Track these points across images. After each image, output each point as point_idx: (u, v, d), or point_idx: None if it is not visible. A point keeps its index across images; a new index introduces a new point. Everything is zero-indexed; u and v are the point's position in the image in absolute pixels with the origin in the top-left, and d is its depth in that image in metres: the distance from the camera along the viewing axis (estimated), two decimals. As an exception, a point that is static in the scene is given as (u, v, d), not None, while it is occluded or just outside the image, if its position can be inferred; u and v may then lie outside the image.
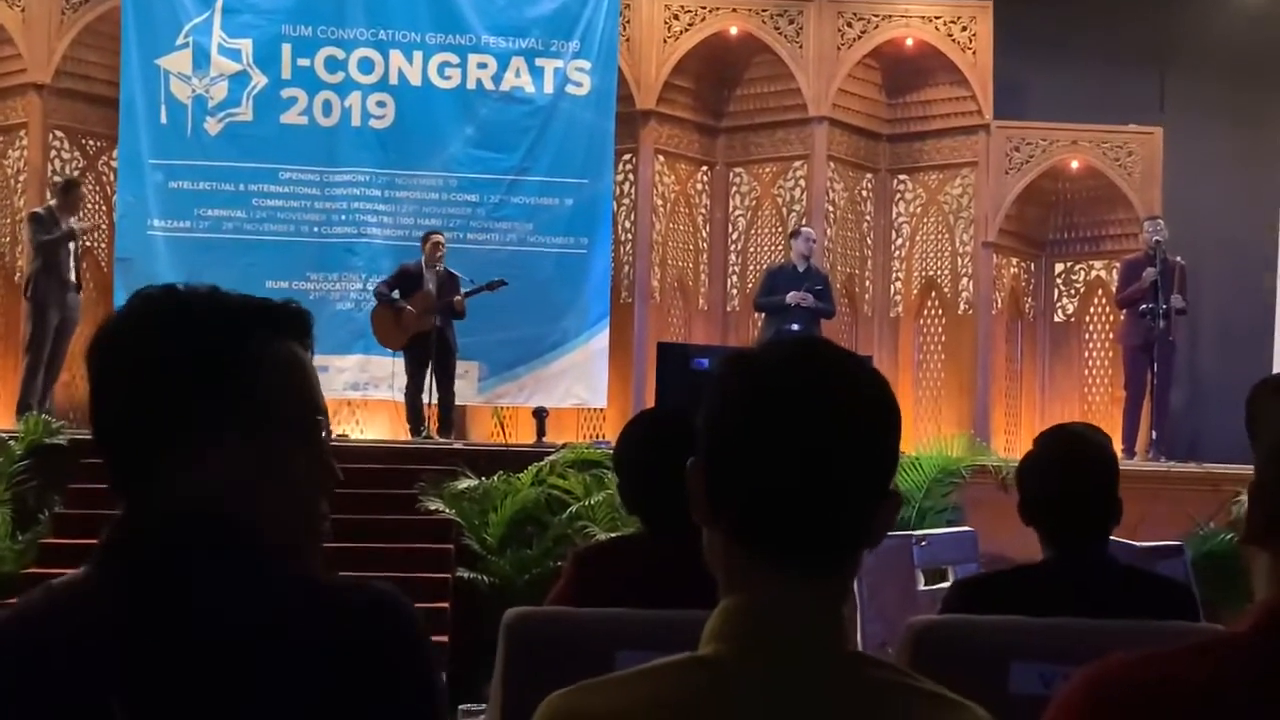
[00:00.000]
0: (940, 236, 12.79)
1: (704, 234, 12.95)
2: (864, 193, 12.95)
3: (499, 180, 11.84)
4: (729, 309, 12.91)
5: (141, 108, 11.46)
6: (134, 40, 11.46)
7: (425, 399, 10.64)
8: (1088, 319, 12.95)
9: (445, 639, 7.58)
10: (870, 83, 12.89)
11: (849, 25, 12.50)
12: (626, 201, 12.52)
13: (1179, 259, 10.91)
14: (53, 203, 10.65)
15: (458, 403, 11.14)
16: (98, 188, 12.17)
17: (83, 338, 10.66)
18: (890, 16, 12.52)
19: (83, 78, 11.99)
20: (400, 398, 10.93)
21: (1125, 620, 2.74)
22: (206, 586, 1.42)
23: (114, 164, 11.89)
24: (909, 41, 12.59)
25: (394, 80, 11.79)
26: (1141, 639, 2.60)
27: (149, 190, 11.44)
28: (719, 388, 1.42)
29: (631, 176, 12.51)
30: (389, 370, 11.13)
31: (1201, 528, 8.70)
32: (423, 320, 10.56)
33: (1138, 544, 6.26)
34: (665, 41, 12.42)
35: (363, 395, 11.67)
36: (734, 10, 12.48)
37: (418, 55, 11.82)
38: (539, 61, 11.92)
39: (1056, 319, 13.07)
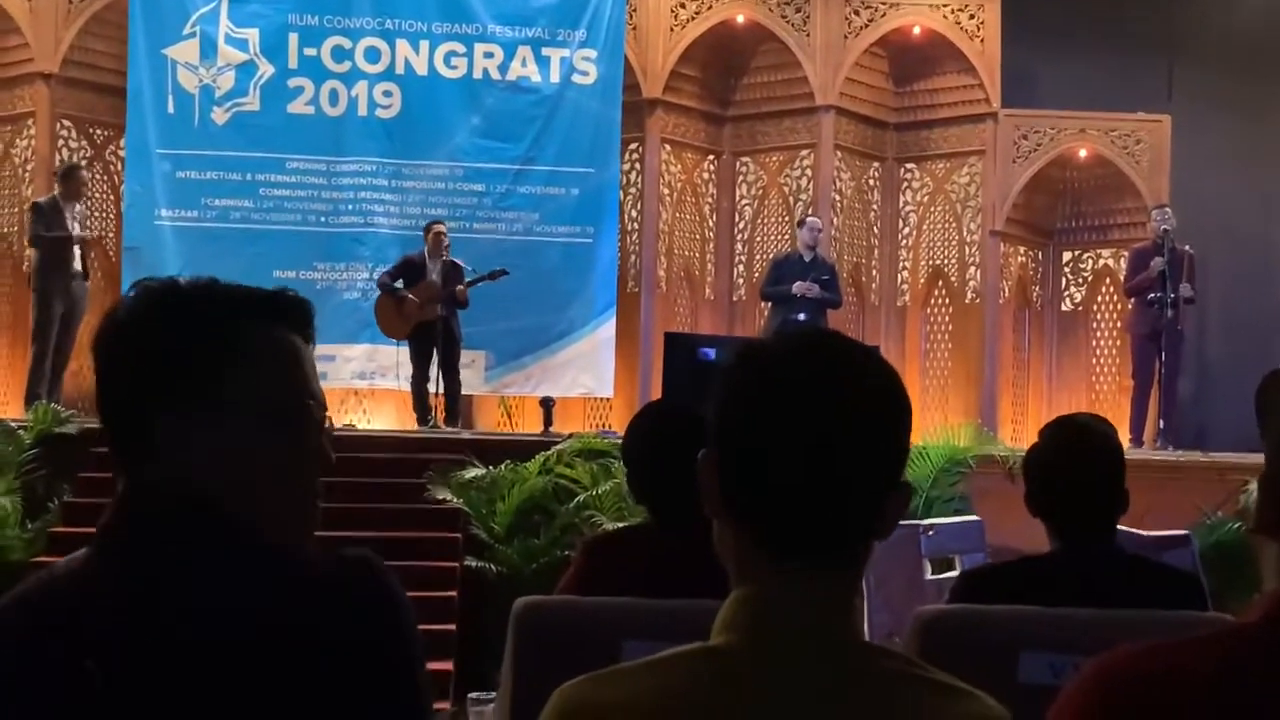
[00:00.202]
0: (947, 225, 12.78)
1: (710, 223, 12.94)
2: (871, 182, 12.94)
3: (505, 170, 11.84)
4: (735, 298, 12.90)
5: (149, 97, 11.46)
6: (141, 30, 11.46)
7: (431, 388, 10.65)
8: (1095, 308, 12.93)
9: (453, 627, 7.61)
10: (877, 71, 12.87)
11: (856, 14, 12.49)
12: (633, 191, 12.52)
13: (1187, 248, 10.89)
14: (57, 191, 10.66)
15: (465, 392, 11.15)
16: (105, 177, 12.18)
17: (90, 327, 10.68)
18: (897, 5, 12.50)
19: (90, 67, 12.00)
20: (407, 387, 10.94)
21: (1133, 610, 2.74)
22: (178, 569, 1.47)
23: (121, 153, 11.91)
24: (916, 30, 12.58)
25: (400, 70, 11.79)
26: (1149, 629, 2.61)
27: (156, 180, 11.45)
28: (729, 380, 1.42)
29: (638, 166, 12.50)
30: (395, 360, 11.14)
31: (1209, 517, 8.69)
32: (426, 310, 10.56)
33: (1145, 533, 6.25)
34: (672, 30, 12.41)
35: (369, 385, 11.68)
36: (740, -1, 12.48)
37: (424, 45, 11.81)
38: (545, 51, 11.91)
39: (1064, 308, 13.06)
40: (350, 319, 11.32)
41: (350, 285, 11.60)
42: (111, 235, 11.96)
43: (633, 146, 12.44)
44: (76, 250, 10.47)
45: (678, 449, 2.21)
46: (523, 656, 2.67)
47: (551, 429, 10.61)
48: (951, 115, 12.71)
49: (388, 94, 11.77)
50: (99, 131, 12.16)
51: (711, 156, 12.97)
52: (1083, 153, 12.55)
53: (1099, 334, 12.88)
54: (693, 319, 12.75)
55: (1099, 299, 12.91)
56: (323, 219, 11.68)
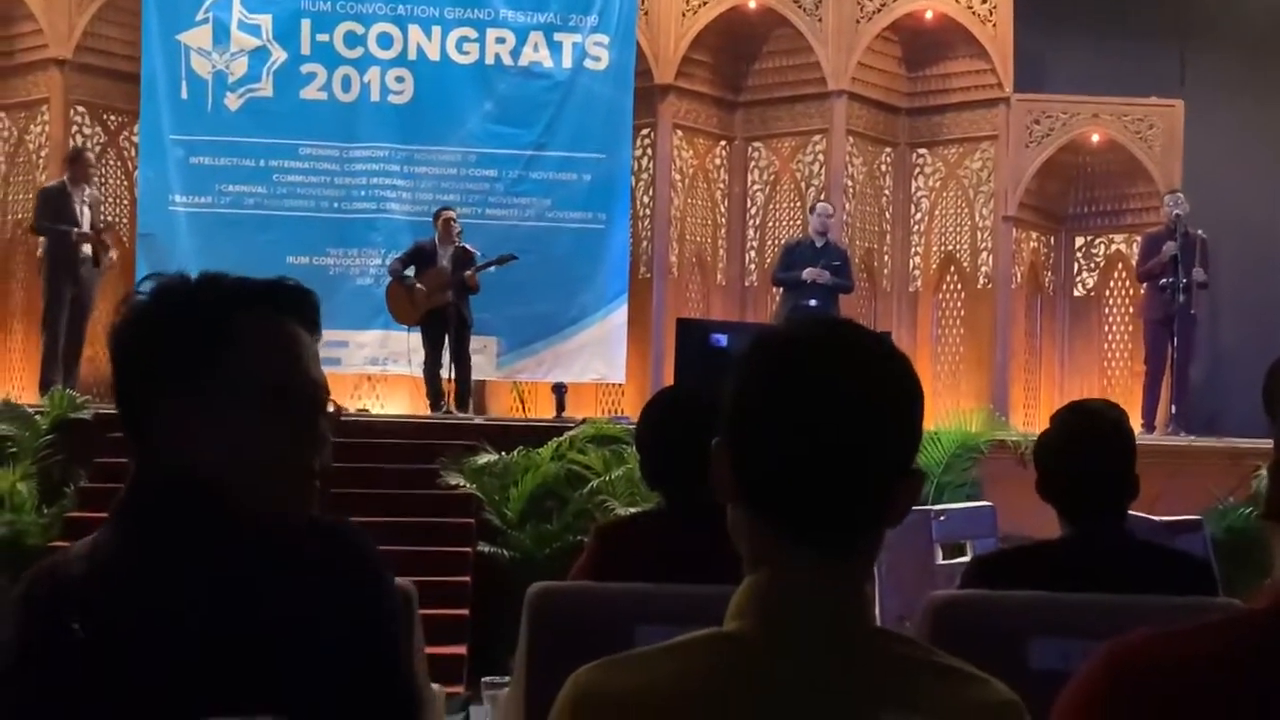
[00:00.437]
0: (960, 211, 12.76)
1: (722, 209, 12.94)
2: (883, 167, 12.92)
3: (517, 155, 11.84)
4: (747, 284, 12.90)
5: (162, 83, 11.48)
6: (154, 15, 11.48)
7: (444, 374, 10.67)
8: (1108, 293, 12.91)
9: (466, 612, 7.64)
10: (889, 56, 12.84)
11: (868, -1, 12.47)
12: (645, 176, 12.51)
13: (1200, 232, 10.87)
14: (65, 176, 10.70)
15: (477, 377, 11.17)
16: (119, 163, 12.21)
17: (104, 314, 10.70)
18: (910, -11, 12.47)
19: (104, 53, 12.02)
20: (420, 373, 10.95)
21: (1144, 596, 2.75)
22: (170, 545, 1.61)
23: (135, 140, 11.94)
24: (928, 14, 12.54)
25: (413, 55, 11.80)
26: (1160, 614, 2.62)
27: (170, 166, 11.47)
28: (742, 367, 1.44)
29: (650, 151, 12.50)
30: (408, 345, 11.15)
31: (1221, 502, 8.69)
32: (436, 296, 10.57)
33: (1157, 518, 6.26)
34: (684, 16, 12.39)
35: (382, 370, 11.70)
36: (753, -17, 12.46)
37: (436, 30, 11.81)
38: (557, 36, 11.91)
39: (1076, 293, 13.04)
40: (363, 305, 11.34)
41: (363, 271, 11.62)
42: (125, 221, 11.98)
43: (645, 132, 12.44)
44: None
45: (691, 436, 2.22)
46: (536, 642, 2.68)
47: (564, 414, 10.63)
48: (964, 100, 12.67)
49: (400, 80, 11.78)
50: (113, 118, 12.18)
51: (723, 142, 12.95)
52: (1095, 138, 12.51)
53: (1111, 319, 12.86)
54: (705, 304, 12.75)
55: (1111, 284, 12.89)
56: (335, 205, 11.69)
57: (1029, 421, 11.79)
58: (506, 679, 3.01)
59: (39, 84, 11.90)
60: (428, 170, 11.78)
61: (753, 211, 12.96)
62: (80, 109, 11.97)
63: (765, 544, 1.40)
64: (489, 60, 11.87)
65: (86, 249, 10.50)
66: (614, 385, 12.19)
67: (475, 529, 8.40)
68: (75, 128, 11.90)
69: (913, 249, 12.96)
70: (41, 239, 10.76)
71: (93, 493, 8.13)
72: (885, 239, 12.91)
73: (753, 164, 12.97)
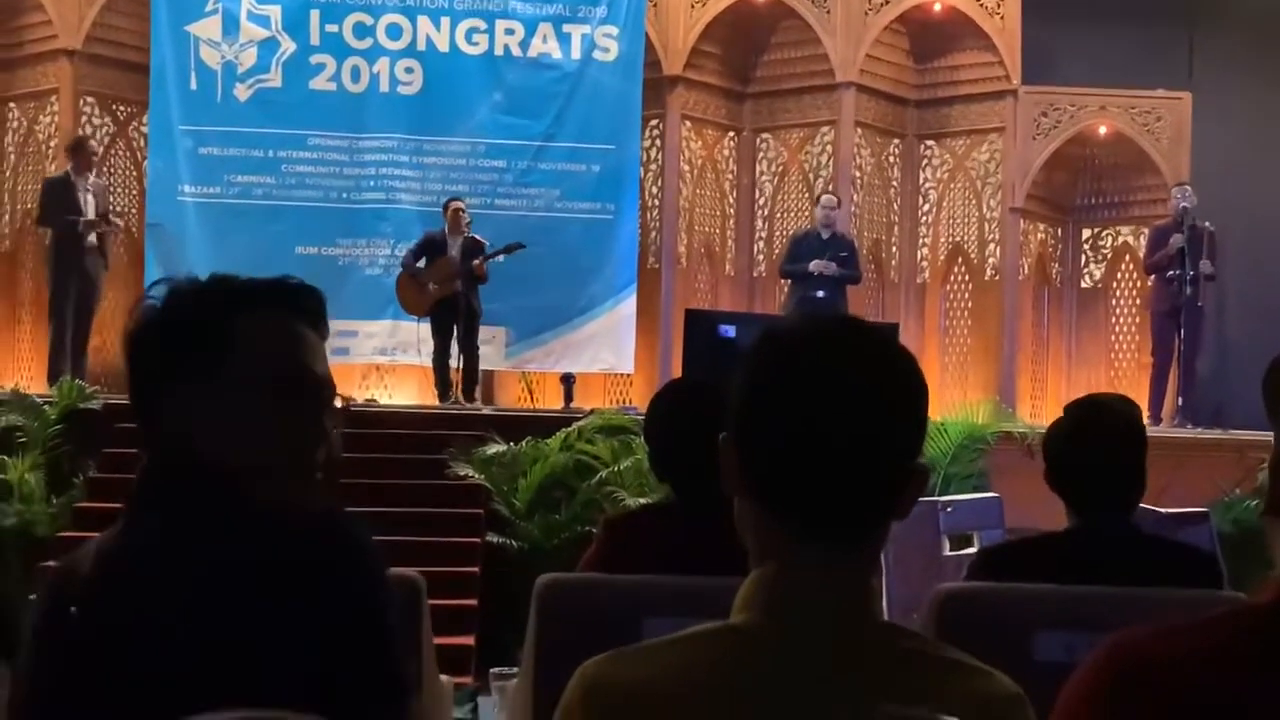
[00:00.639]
0: (967, 202, 12.75)
1: (731, 200, 12.93)
2: (891, 158, 12.91)
3: (526, 146, 11.84)
4: (755, 275, 12.89)
5: (171, 74, 11.48)
6: (164, 6, 11.48)
7: (452, 364, 10.68)
8: (1115, 285, 12.90)
9: (475, 602, 7.65)
10: (898, 48, 12.82)
11: (877, -10, 12.44)
12: (653, 167, 12.51)
13: (1207, 225, 10.85)
14: (69, 166, 10.72)
15: (486, 368, 11.18)
16: (128, 153, 12.22)
17: (112, 303, 10.73)
18: (918, -20, 12.45)
19: (113, 44, 12.02)
20: (429, 363, 10.95)
21: (1150, 588, 2.76)
22: (173, 531, 1.67)
23: (144, 130, 11.95)
24: (937, 6, 12.51)
25: (422, 46, 11.80)
26: (1166, 607, 2.63)
27: (179, 156, 11.47)
28: (751, 361, 1.45)
29: (658, 142, 12.49)
30: (417, 335, 11.15)
31: (1227, 495, 8.69)
32: (444, 286, 10.58)
33: (1163, 510, 6.26)
34: (693, 7, 12.38)
35: (391, 360, 11.71)
36: (761, -26, 12.44)
37: (445, 21, 11.81)
38: (566, 27, 11.90)
39: (1084, 285, 13.02)
40: (372, 295, 11.35)
41: (372, 261, 11.63)
42: (134, 212, 11.99)
43: (653, 123, 12.43)
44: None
45: (699, 428, 2.23)
46: (545, 633, 2.70)
47: (572, 405, 10.64)
48: (972, 92, 12.65)
49: (409, 70, 11.78)
50: (122, 108, 12.19)
51: (732, 133, 12.95)
52: (1103, 130, 12.49)
53: (1118, 311, 12.84)
54: (713, 295, 12.74)
55: (1118, 276, 12.87)
56: (344, 195, 11.70)
57: (1036, 413, 11.79)
58: (515, 670, 3.02)
59: (48, 74, 11.91)
60: (437, 161, 11.78)
61: (761, 202, 12.95)
62: (90, 99, 11.97)
63: (772, 537, 1.42)
64: (498, 51, 11.86)
65: (93, 238, 10.51)
66: (622, 376, 12.20)
67: (484, 519, 8.41)
68: (84, 118, 11.90)
69: (920, 240, 12.94)
70: (46, 231, 10.78)
71: (101, 483, 8.14)
72: (893, 230, 12.91)
73: (761, 155, 12.96)
